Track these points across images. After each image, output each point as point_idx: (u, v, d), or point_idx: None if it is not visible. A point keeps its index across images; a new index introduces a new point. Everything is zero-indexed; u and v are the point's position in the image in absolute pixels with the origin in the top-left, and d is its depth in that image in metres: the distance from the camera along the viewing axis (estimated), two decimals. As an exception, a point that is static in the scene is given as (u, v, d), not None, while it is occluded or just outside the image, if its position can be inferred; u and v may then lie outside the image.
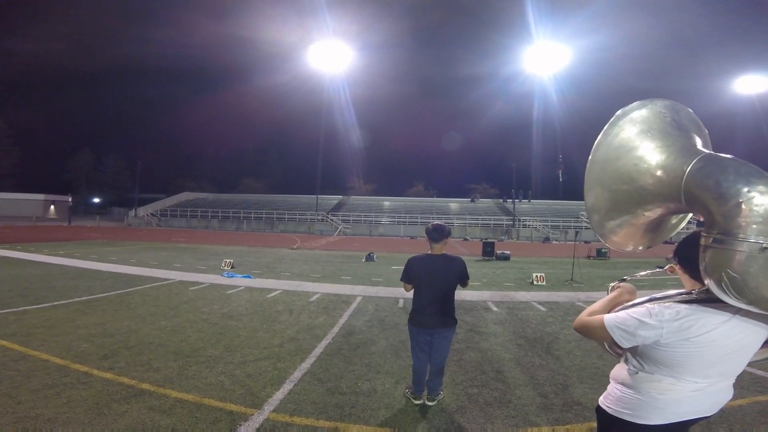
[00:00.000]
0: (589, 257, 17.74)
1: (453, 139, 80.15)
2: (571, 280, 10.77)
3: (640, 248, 1.67)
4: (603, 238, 1.66)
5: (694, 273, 1.45)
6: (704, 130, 1.52)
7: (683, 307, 1.41)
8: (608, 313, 1.56)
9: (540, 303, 7.96)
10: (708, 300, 1.39)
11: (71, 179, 67.39)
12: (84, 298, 7.16)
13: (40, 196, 54.17)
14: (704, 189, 1.26)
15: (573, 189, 46.60)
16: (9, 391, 3.37)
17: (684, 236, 1.58)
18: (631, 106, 1.52)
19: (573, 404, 3.57)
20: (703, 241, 1.30)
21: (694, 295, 1.44)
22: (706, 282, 1.31)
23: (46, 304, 6.52)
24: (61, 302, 6.73)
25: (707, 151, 1.37)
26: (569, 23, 59.75)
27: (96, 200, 67.61)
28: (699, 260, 1.32)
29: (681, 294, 1.49)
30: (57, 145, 72.13)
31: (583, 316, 1.62)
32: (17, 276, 9.15)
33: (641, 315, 1.44)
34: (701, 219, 1.39)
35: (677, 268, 1.60)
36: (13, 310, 6.08)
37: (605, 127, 1.53)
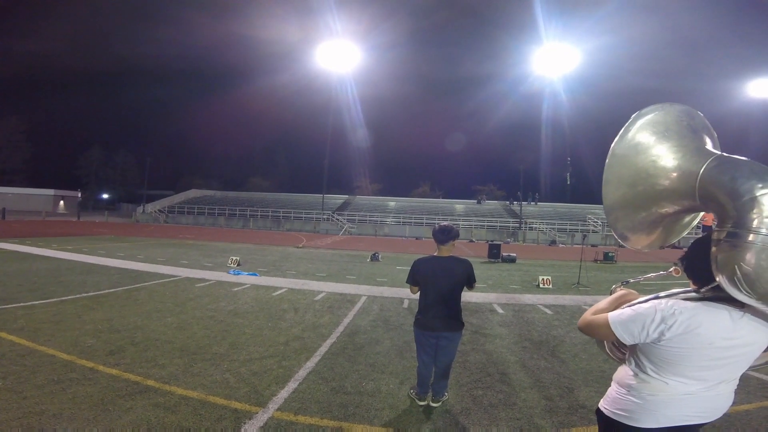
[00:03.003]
0: (596, 261, 17.60)
1: (459, 140, 79.98)
2: (578, 283, 10.70)
3: (649, 248, 1.71)
4: (618, 236, 1.70)
5: (698, 276, 1.48)
6: (714, 135, 1.57)
7: (689, 304, 1.43)
8: (613, 311, 1.57)
9: (546, 306, 7.91)
10: (714, 298, 1.41)
11: (81, 175, 68.22)
12: (91, 293, 7.21)
13: (50, 191, 54.76)
14: (719, 185, 1.31)
15: (581, 192, 46.41)
16: (15, 387, 3.39)
17: (692, 240, 1.62)
18: (649, 108, 1.58)
19: (578, 407, 3.54)
20: (715, 236, 1.34)
21: (701, 294, 1.45)
22: (717, 278, 1.33)
23: (54, 299, 6.59)
24: (69, 297, 6.79)
25: (720, 153, 1.43)
26: (579, 25, 59.58)
27: (105, 196, 68.30)
28: (710, 256, 1.34)
29: (687, 291, 1.51)
30: (67, 142, 73.00)
31: (587, 315, 1.64)
32: (26, 270, 9.25)
33: (646, 311, 1.45)
34: (706, 224, 1.40)
35: (683, 271, 1.59)
36: (22, 304, 6.14)
37: (626, 125, 1.59)
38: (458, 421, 3.28)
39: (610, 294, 1.74)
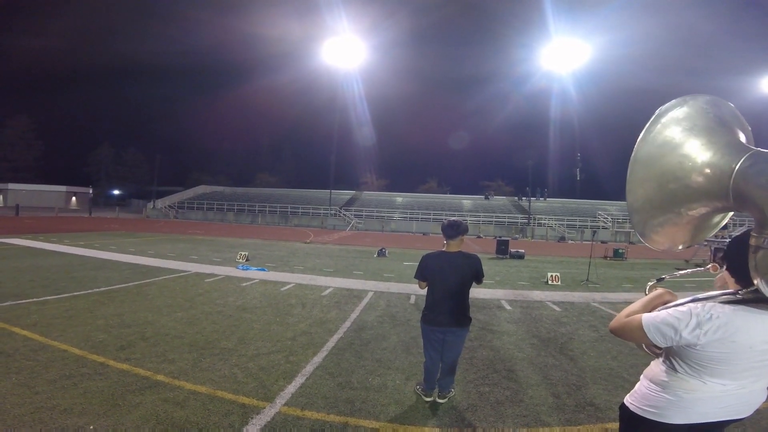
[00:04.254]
0: (605, 257, 17.46)
1: (467, 135, 79.60)
2: (587, 280, 10.61)
3: (680, 247, 1.62)
4: (643, 238, 1.61)
5: (739, 276, 1.41)
6: (747, 126, 1.46)
7: (727, 308, 1.37)
8: (647, 313, 1.52)
9: (554, 303, 7.86)
10: (754, 300, 1.35)
11: (92, 172, 68.92)
12: (103, 288, 7.31)
13: (62, 188, 55.44)
14: (756, 187, 1.21)
15: (590, 188, 45.87)
16: (27, 381, 3.45)
17: (733, 237, 1.53)
18: (672, 102, 1.48)
19: (586, 405, 3.52)
20: (753, 242, 1.26)
21: (740, 296, 1.39)
22: (756, 282, 1.26)
23: (66, 295, 6.68)
24: (81, 293, 6.88)
25: (756, 148, 1.31)
26: (588, 20, 58.74)
27: (116, 192, 69.02)
28: (749, 260, 1.27)
29: (726, 294, 1.44)
30: (78, 140, 73.77)
31: (621, 317, 1.57)
32: (39, 266, 9.39)
33: (682, 315, 1.40)
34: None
35: (725, 271, 1.53)
36: (35, 300, 6.24)
37: (647, 125, 1.49)
38: (464, 417, 3.27)
39: (646, 294, 1.66)
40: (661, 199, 1.47)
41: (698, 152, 1.37)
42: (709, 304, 1.40)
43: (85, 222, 29.40)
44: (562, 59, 54.40)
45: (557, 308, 7.39)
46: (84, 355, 4.11)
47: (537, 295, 8.63)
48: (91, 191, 49.10)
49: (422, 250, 3.47)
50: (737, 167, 1.25)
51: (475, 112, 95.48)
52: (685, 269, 1.90)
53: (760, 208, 1.21)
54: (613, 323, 1.59)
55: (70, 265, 9.72)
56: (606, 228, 37.03)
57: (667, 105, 1.48)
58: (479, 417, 3.28)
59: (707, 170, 1.33)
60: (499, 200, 52.15)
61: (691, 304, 1.43)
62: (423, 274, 3.43)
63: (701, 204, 1.40)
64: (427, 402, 3.48)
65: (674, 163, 1.41)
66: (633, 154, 1.52)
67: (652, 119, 1.49)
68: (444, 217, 29.73)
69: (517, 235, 35.94)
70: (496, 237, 26.36)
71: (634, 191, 1.53)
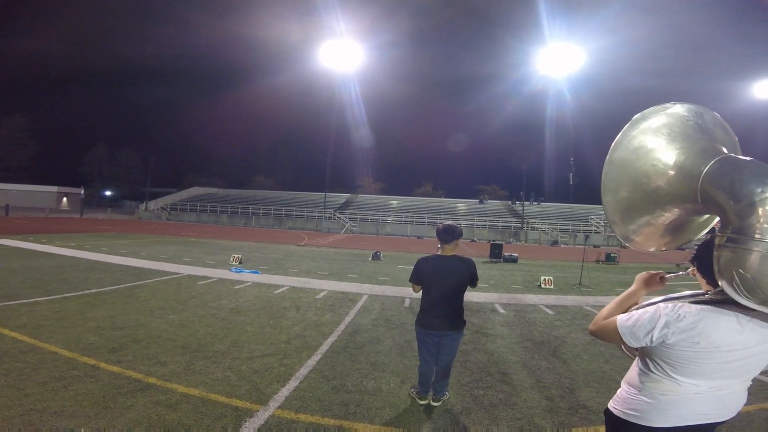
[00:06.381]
0: (598, 261, 17.56)
1: (462, 139, 79.97)
2: (580, 284, 10.67)
3: (663, 249, 1.64)
4: (624, 240, 1.65)
5: (709, 276, 1.43)
6: (732, 133, 1.50)
7: (694, 308, 1.39)
8: (622, 314, 1.55)
9: (548, 306, 7.90)
10: (721, 301, 1.37)
11: (86, 172, 68.38)
12: (94, 290, 7.24)
13: (54, 188, 54.94)
14: (719, 188, 1.27)
15: (583, 192, 46.17)
16: (17, 384, 3.40)
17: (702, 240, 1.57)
18: (651, 108, 1.52)
19: (579, 408, 3.53)
20: (717, 241, 1.31)
21: (708, 296, 1.42)
22: (720, 282, 1.30)
23: (57, 296, 6.61)
24: (72, 294, 6.81)
25: (727, 153, 1.36)
26: (583, 25, 59.35)
27: (108, 193, 68.50)
28: (713, 260, 1.31)
29: (695, 295, 1.48)
30: (72, 140, 73.20)
31: (599, 320, 1.60)
32: (29, 267, 9.28)
33: (651, 315, 1.43)
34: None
35: (696, 271, 1.56)
36: (25, 301, 6.16)
37: (624, 128, 1.53)
38: (459, 420, 3.28)
39: None
40: (635, 200, 1.52)
41: (671, 156, 1.43)
42: (678, 304, 1.43)
43: (77, 223, 29.13)
44: (557, 64, 54.83)
45: (550, 312, 7.42)
46: (75, 357, 4.06)
47: (530, 298, 8.66)
48: (82, 192, 48.64)
49: (417, 253, 3.48)
50: (705, 170, 1.31)
51: (470, 116, 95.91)
52: (677, 272, 1.91)
53: (723, 208, 1.27)
54: (592, 326, 1.63)
55: (61, 267, 9.62)
56: (598, 232, 37.29)
57: (646, 111, 1.52)
58: (473, 420, 3.29)
59: (678, 173, 1.40)
60: (494, 204, 52.38)
61: (660, 304, 1.46)
62: (418, 277, 3.43)
63: (674, 205, 1.46)
64: (422, 405, 3.47)
65: (647, 165, 1.47)
66: (608, 157, 1.56)
67: (629, 123, 1.53)
68: (438, 220, 29.81)
69: (511, 239, 36.08)
70: (489, 241, 26.43)
71: (610, 193, 1.58)
